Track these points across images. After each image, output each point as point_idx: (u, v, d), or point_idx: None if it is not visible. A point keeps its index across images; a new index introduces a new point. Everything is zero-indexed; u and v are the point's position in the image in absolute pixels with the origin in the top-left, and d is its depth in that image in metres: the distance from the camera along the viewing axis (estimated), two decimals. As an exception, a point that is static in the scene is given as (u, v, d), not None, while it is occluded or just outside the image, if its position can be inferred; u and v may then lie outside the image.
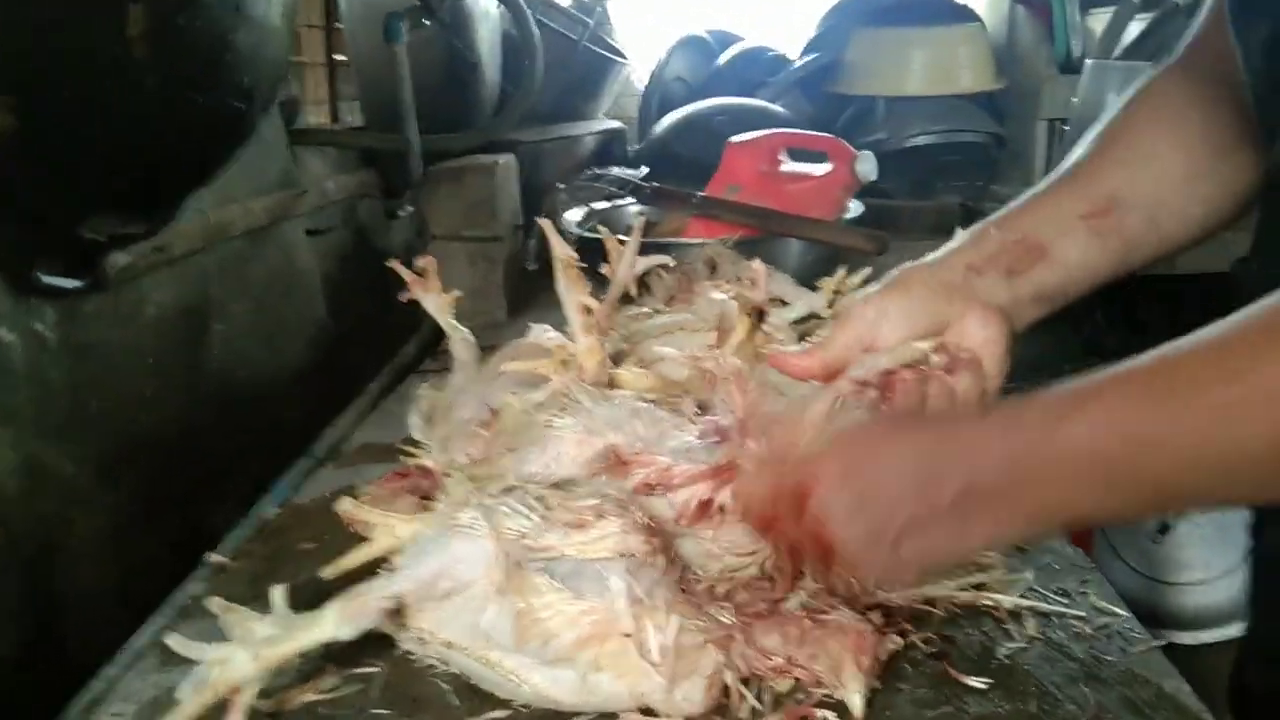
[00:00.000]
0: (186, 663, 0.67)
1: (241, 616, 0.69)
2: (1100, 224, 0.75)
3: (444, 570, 0.68)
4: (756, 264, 0.97)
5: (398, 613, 0.72)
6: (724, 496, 0.73)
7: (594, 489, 0.75)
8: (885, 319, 0.73)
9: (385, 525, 0.80)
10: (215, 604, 0.69)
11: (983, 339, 0.72)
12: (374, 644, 0.77)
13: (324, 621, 0.68)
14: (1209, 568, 2.05)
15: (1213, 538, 2.06)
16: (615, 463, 0.77)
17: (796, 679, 0.69)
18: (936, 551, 0.61)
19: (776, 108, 2.08)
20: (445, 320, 1.15)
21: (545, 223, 0.94)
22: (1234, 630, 2.00)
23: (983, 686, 0.69)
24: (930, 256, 0.77)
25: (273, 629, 0.68)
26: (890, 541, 0.59)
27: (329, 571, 0.81)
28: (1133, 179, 0.76)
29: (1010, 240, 0.74)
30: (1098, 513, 0.62)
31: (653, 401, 0.88)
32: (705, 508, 0.74)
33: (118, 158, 0.94)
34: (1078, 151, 0.80)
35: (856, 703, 0.66)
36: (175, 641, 0.67)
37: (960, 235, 0.78)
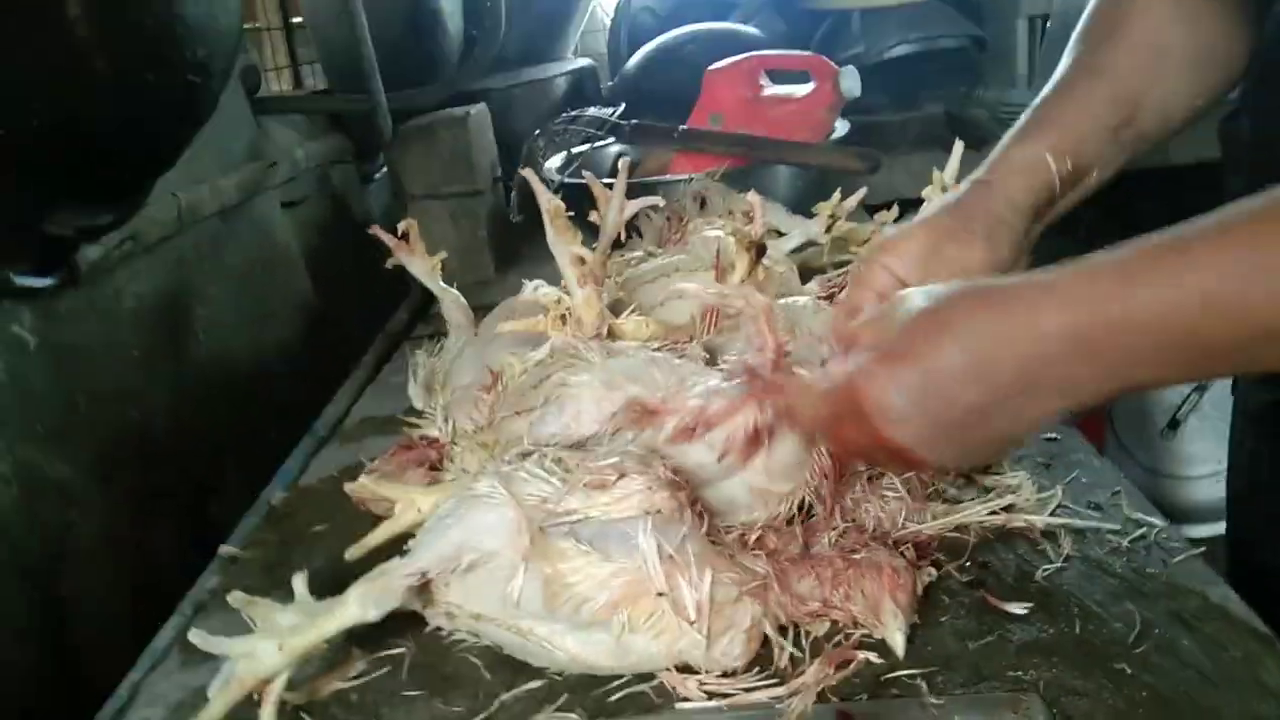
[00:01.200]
0: (211, 659, 0.65)
1: (264, 608, 0.67)
2: (1125, 133, 0.74)
3: (466, 542, 0.66)
4: (751, 195, 0.93)
5: (423, 589, 0.70)
6: (769, 419, 0.71)
7: (612, 447, 0.73)
8: (907, 272, 0.70)
9: (407, 499, 0.78)
10: (236, 598, 0.67)
11: None
12: (399, 624, 0.75)
13: (348, 605, 0.66)
14: (1219, 462, 2.05)
15: (1222, 430, 2.06)
16: (642, 414, 0.74)
17: (834, 621, 0.68)
18: (1003, 433, 0.59)
19: (750, 29, 2.02)
20: (433, 283, 1.12)
21: (528, 172, 0.91)
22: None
23: (1023, 612, 0.68)
24: (963, 187, 0.74)
25: (296, 618, 0.66)
26: (954, 434, 0.57)
27: (353, 552, 0.79)
28: (1152, 78, 0.74)
29: (1064, 173, 0.72)
30: (1169, 380, 0.58)
31: (659, 350, 0.85)
32: (755, 437, 0.71)
33: (74, 147, 0.89)
34: (1086, 36, 0.77)
35: (899, 640, 0.64)
36: (198, 638, 0.65)
37: (1003, 157, 0.74)
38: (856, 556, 0.68)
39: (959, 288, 0.59)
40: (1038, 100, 0.76)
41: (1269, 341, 0.50)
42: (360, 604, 0.65)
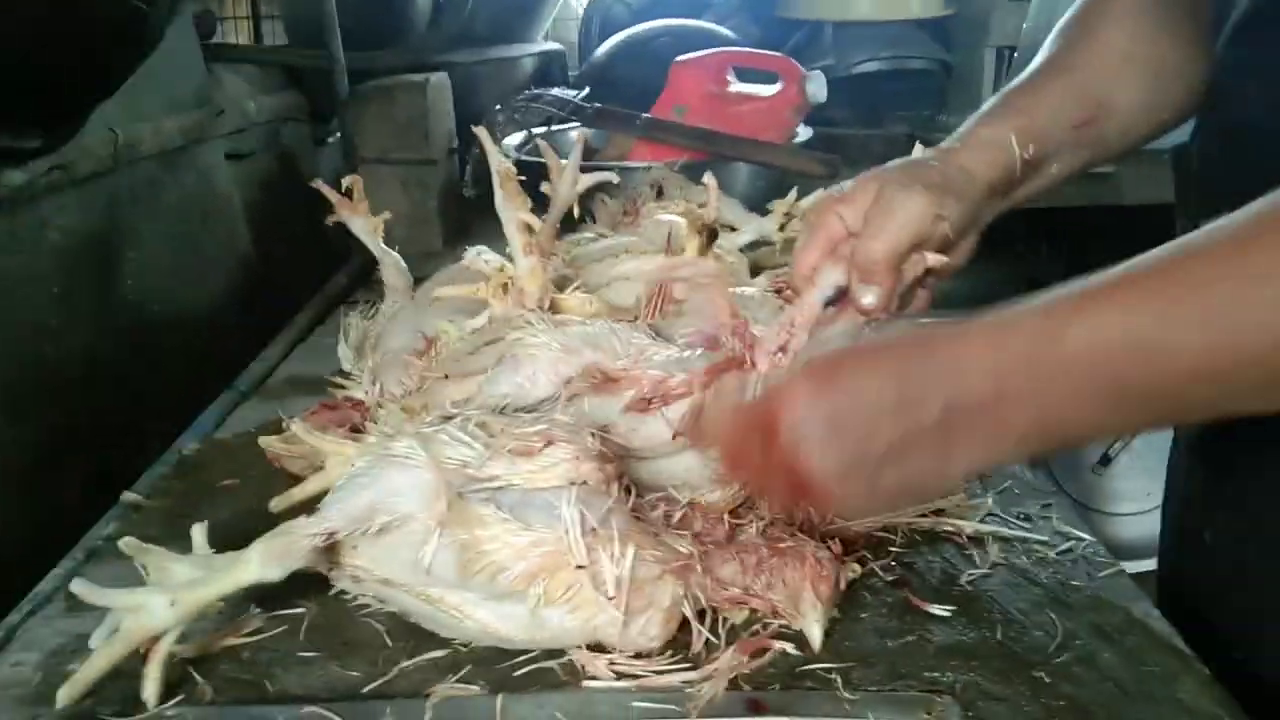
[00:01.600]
0: (99, 608, 0.62)
1: (158, 557, 0.63)
2: (1086, 134, 0.74)
3: (379, 504, 0.63)
4: (707, 178, 0.91)
5: (330, 550, 0.66)
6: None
7: (542, 415, 0.70)
8: (855, 219, 0.69)
9: (339, 453, 0.74)
10: (129, 544, 0.63)
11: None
12: (301, 583, 0.71)
13: (248, 563, 0.62)
14: (1149, 498, 2.08)
15: (1154, 468, 2.09)
16: (602, 381, 0.72)
17: (753, 610, 0.66)
18: (918, 479, 0.56)
19: (723, 30, 2.01)
20: (375, 244, 1.08)
21: (481, 131, 0.88)
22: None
23: (946, 614, 0.66)
24: (927, 153, 0.74)
25: (192, 571, 0.63)
26: (868, 470, 0.55)
27: (277, 504, 0.76)
28: (1118, 82, 0.75)
29: (1025, 157, 0.72)
30: (1095, 428, 0.57)
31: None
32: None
33: (1, 59, 0.85)
34: (1061, 35, 0.78)
35: (815, 633, 0.62)
36: (82, 588, 0.61)
37: (968, 133, 0.74)
38: (782, 545, 0.66)
39: (902, 327, 0.59)
40: (1006, 88, 0.77)
41: (1195, 385, 0.49)
42: (261, 562, 0.62)
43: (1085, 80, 0.75)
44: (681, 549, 0.63)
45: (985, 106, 0.76)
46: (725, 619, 0.65)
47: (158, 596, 0.61)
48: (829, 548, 0.67)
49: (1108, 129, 0.75)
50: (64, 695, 0.59)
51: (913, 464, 0.55)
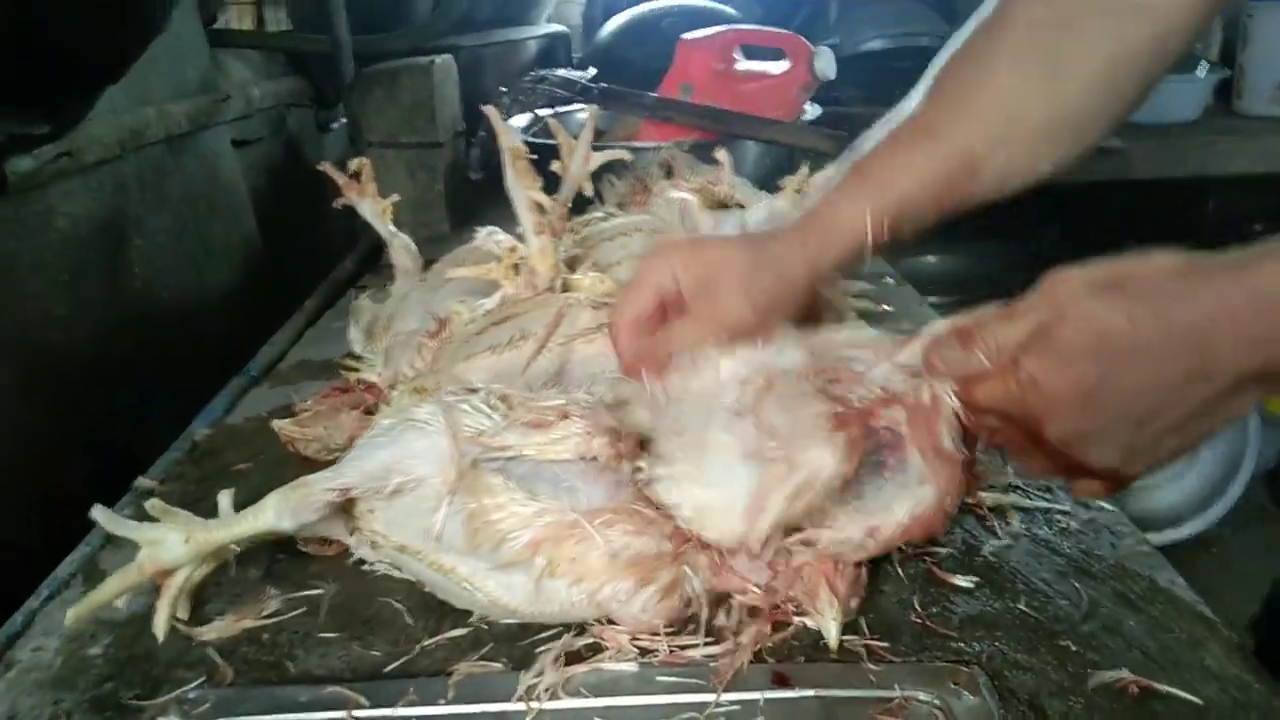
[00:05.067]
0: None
1: (182, 519, 0.64)
2: (951, 198, 0.67)
3: (394, 464, 0.63)
4: (719, 153, 0.90)
5: (347, 515, 0.66)
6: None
7: (563, 390, 0.70)
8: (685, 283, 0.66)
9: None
10: (155, 505, 0.64)
11: None
12: (320, 565, 0.72)
13: (264, 511, 0.63)
14: (1173, 468, 2.06)
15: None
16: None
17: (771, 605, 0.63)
18: (1200, 436, 0.52)
19: (727, 9, 1.99)
20: (383, 226, 1.08)
21: (490, 109, 0.87)
22: (1185, 532, 2.03)
23: (969, 585, 0.66)
24: (788, 228, 0.69)
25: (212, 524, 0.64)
26: (1150, 446, 0.51)
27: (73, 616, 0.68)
28: (997, 145, 0.66)
29: (879, 239, 0.66)
30: None
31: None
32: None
33: (10, 45, 0.84)
34: (935, 91, 0.69)
35: (832, 631, 0.60)
36: (103, 515, 0.62)
37: (827, 207, 0.68)
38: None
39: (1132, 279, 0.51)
40: (870, 148, 0.70)
41: None
42: (276, 511, 0.63)
43: (956, 147, 0.66)
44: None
45: (845, 169, 0.69)
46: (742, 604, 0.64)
47: (174, 532, 0.63)
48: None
49: (978, 189, 0.67)
50: (72, 616, 0.61)
51: (1199, 426, 0.51)
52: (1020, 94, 0.66)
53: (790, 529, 0.61)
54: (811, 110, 1.57)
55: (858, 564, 0.63)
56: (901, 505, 0.60)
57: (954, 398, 0.57)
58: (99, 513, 0.61)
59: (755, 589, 0.63)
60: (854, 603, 0.63)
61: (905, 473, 0.60)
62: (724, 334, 0.65)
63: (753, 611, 0.63)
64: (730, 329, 0.65)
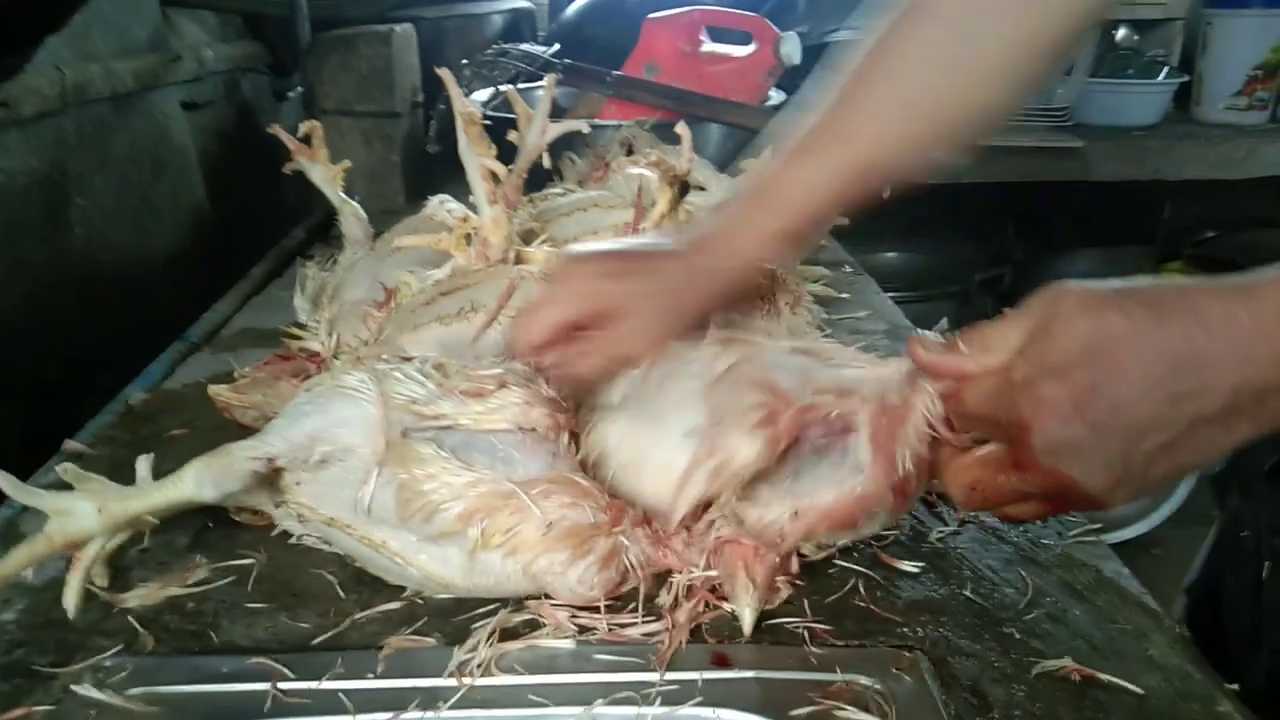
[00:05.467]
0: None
1: (99, 484, 0.61)
2: (851, 207, 0.69)
3: (321, 433, 0.60)
4: (680, 127, 0.89)
5: (273, 487, 0.64)
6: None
7: (500, 361, 0.68)
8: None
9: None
10: (67, 470, 0.61)
11: None
12: (250, 535, 0.69)
13: (183, 481, 0.60)
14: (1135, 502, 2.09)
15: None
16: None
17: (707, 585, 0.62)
18: (1194, 461, 0.49)
19: (696, -7, 1.97)
20: (333, 192, 1.05)
21: (446, 74, 0.84)
22: (1130, 533, 2.06)
23: (915, 570, 0.65)
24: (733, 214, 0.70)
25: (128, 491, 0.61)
26: (1139, 469, 0.48)
27: None
28: (890, 151, 0.66)
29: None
30: None
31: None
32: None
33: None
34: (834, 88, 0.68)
35: (747, 617, 0.59)
36: (8, 483, 0.59)
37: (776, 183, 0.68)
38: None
39: (1123, 313, 0.48)
40: (774, 163, 0.69)
41: None
42: (196, 480, 0.60)
43: (861, 155, 0.66)
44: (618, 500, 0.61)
45: (803, 128, 0.68)
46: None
47: (86, 503, 0.60)
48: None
49: (875, 191, 0.68)
50: None
51: (1188, 452, 0.48)
52: (924, 91, 0.65)
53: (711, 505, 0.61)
54: (777, 96, 1.56)
55: (785, 555, 0.61)
56: (828, 490, 0.58)
57: (936, 404, 0.55)
58: (4, 481, 0.58)
59: (693, 568, 0.62)
60: (781, 593, 0.61)
61: (843, 461, 0.59)
62: (615, 365, 0.67)
63: (689, 591, 0.61)
64: (622, 362, 0.67)
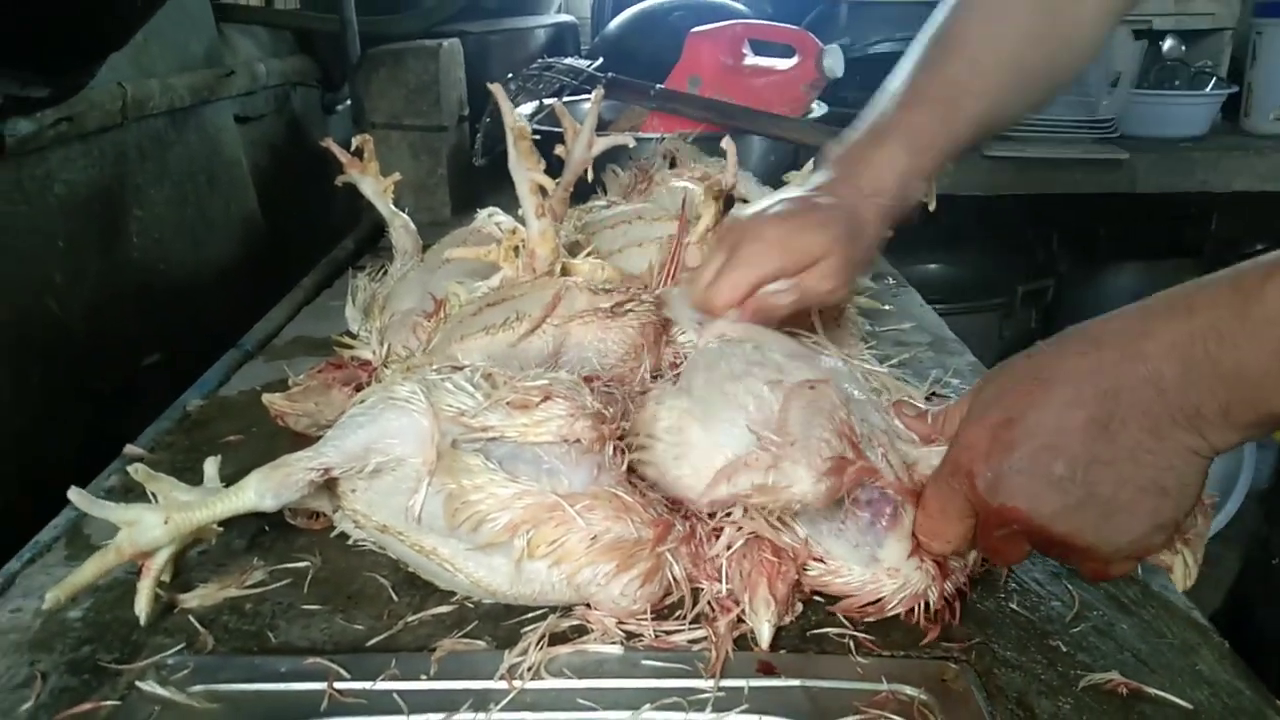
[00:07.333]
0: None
1: (167, 485, 0.63)
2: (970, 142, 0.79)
3: (374, 444, 0.62)
4: (725, 141, 0.90)
5: (331, 493, 0.65)
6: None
7: (547, 372, 0.69)
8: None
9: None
10: (139, 470, 0.63)
11: None
12: (307, 538, 0.71)
13: (245, 490, 0.62)
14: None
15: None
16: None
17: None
18: (1146, 489, 0.50)
19: (738, 5, 1.99)
20: (384, 204, 1.07)
21: (496, 88, 0.86)
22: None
23: (961, 582, 0.65)
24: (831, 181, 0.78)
25: (193, 497, 0.62)
26: (1092, 494, 0.50)
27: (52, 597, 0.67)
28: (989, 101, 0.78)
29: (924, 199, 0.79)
30: None
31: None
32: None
33: (8, 6, 0.83)
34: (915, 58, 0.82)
35: (764, 632, 0.59)
36: (79, 497, 0.60)
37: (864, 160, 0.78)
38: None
39: (1045, 347, 0.53)
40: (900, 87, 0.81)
41: None
42: (258, 491, 0.61)
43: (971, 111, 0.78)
44: (665, 514, 0.61)
45: (880, 112, 0.81)
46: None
47: (153, 514, 0.61)
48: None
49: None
50: (51, 598, 0.60)
51: (1126, 475, 0.49)
52: (1020, 45, 0.77)
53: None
54: (819, 108, 1.57)
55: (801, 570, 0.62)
56: (852, 566, 0.61)
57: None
58: (75, 494, 0.60)
59: (720, 584, 0.62)
60: (797, 609, 0.62)
61: (866, 538, 0.61)
62: (810, 302, 0.75)
63: (720, 604, 0.62)
64: (818, 299, 0.74)
